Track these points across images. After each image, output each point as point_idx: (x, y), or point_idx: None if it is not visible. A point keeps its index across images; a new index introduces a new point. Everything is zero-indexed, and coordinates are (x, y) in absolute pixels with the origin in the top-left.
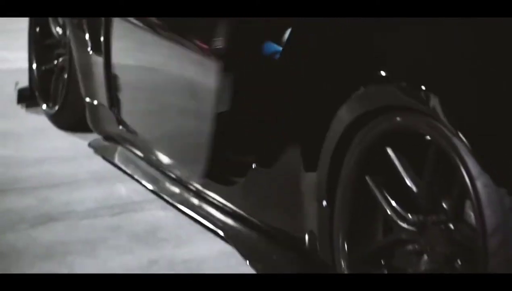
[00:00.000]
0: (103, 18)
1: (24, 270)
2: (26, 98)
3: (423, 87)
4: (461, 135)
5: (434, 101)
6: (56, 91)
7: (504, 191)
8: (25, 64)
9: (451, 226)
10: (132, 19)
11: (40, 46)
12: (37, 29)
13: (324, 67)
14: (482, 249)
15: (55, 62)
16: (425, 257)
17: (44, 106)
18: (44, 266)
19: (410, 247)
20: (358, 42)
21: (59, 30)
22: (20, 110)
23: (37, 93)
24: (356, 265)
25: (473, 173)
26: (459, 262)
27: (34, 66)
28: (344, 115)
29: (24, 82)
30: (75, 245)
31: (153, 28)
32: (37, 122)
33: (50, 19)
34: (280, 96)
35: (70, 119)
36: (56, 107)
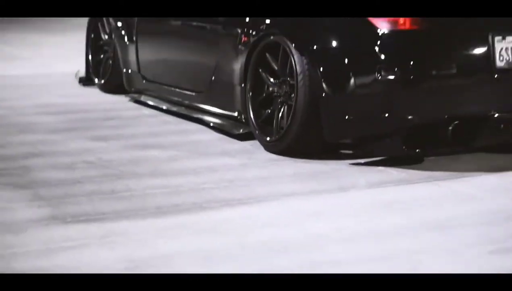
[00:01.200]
0: (135, 25)
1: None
2: (83, 80)
3: (281, 29)
4: (291, 43)
5: (283, 32)
6: (104, 71)
7: (306, 59)
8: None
9: (289, 80)
10: (151, 20)
11: (93, 46)
12: (92, 36)
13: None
14: (296, 81)
15: (102, 56)
16: (281, 97)
17: (96, 80)
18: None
19: (276, 93)
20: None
21: (106, 36)
22: (80, 86)
23: (91, 70)
24: (256, 109)
25: (295, 56)
26: (292, 95)
27: (90, 57)
28: (249, 43)
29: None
30: (122, 116)
31: (164, 24)
32: (91, 90)
33: (100, 29)
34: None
35: (112, 87)
36: (103, 81)
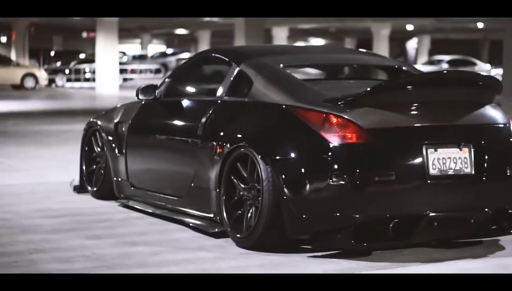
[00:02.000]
0: (124, 139)
1: None
2: (78, 188)
3: (250, 142)
4: (258, 154)
5: (251, 145)
6: (96, 180)
7: (270, 168)
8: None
9: (257, 185)
10: (139, 135)
11: (87, 157)
12: (86, 148)
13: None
14: (261, 186)
15: (94, 166)
16: (250, 200)
17: (89, 188)
18: None
19: (245, 197)
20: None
21: (98, 149)
22: (75, 194)
23: (85, 179)
24: (229, 211)
25: (261, 165)
26: (259, 198)
27: (84, 168)
28: (223, 154)
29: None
30: (113, 219)
31: (150, 138)
32: (85, 197)
33: (94, 142)
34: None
35: (103, 194)
36: (95, 189)
